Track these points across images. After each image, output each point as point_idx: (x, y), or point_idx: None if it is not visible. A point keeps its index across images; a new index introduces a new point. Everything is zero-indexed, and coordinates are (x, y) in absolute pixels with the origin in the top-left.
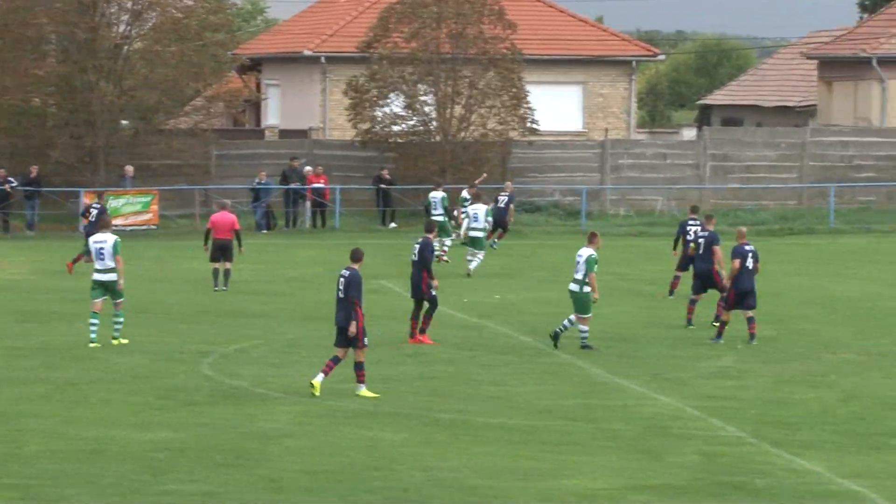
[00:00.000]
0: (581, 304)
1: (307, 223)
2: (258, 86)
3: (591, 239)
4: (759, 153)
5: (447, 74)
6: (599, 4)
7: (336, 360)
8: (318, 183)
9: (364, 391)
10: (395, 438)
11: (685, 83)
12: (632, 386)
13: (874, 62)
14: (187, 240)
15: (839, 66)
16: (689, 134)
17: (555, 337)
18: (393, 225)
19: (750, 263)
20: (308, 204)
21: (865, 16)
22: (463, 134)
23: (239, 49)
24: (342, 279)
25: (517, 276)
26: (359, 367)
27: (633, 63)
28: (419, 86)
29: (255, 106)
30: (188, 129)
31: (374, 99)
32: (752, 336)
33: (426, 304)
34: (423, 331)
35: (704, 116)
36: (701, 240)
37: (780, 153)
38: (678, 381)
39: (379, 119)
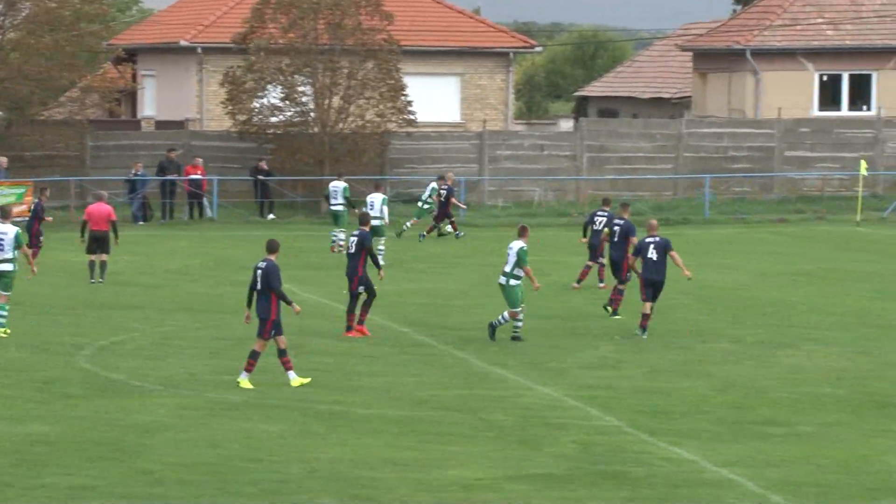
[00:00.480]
0: (509, 296)
1: (185, 215)
2: (134, 76)
3: (522, 232)
4: (635, 144)
5: (325, 66)
6: None
7: (255, 356)
8: (196, 174)
9: (295, 379)
10: (273, 430)
11: (562, 74)
12: (511, 376)
13: (748, 54)
14: (63, 231)
15: (713, 58)
16: (567, 125)
17: (491, 329)
18: (271, 216)
19: (654, 255)
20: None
21: (739, 8)
22: (341, 125)
23: (114, 39)
24: (259, 271)
25: (396, 266)
26: (282, 353)
27: (511, 54)
28: (297, 77)
29: (131, 97)
30: (63, 119)
31: (252, 90)
32: (642, 328)
33: (365, 295)
34: (361, 322)
35: (581, 108)
36: (616, 228)
37: (656, 144)
38: (556, 371)
39: (256, 110)
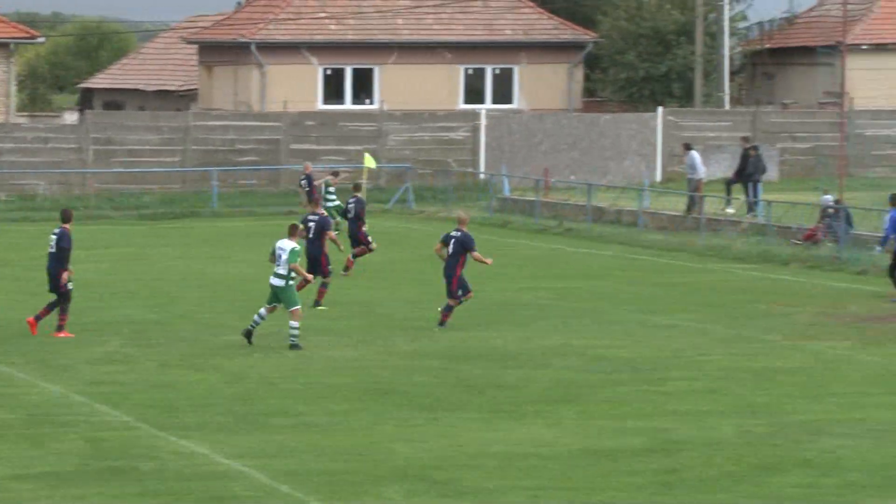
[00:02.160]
0: (287, 297)
1: None
2: None
3: (293, 231)
4: (142, 137)
5: None
6: None
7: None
8: None
9: None
10: None
11: (65, 66)
12: (17, 374)
13: (253, 47)
14: None
15: (219, 51)
16: (71, 118)
17: (247, 335)
18: None
19: (450, 249)
20: None
21: (244, 1)
22: None
23: None
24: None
25: None
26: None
27: (11, 45)
28: None
29: None
30: None
31: None
32: (441, 322)
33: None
34: (60, 328)
35: (86, 100)
36: (311, 224)
37: (163, 137)
38: (64, 367)
39: None
